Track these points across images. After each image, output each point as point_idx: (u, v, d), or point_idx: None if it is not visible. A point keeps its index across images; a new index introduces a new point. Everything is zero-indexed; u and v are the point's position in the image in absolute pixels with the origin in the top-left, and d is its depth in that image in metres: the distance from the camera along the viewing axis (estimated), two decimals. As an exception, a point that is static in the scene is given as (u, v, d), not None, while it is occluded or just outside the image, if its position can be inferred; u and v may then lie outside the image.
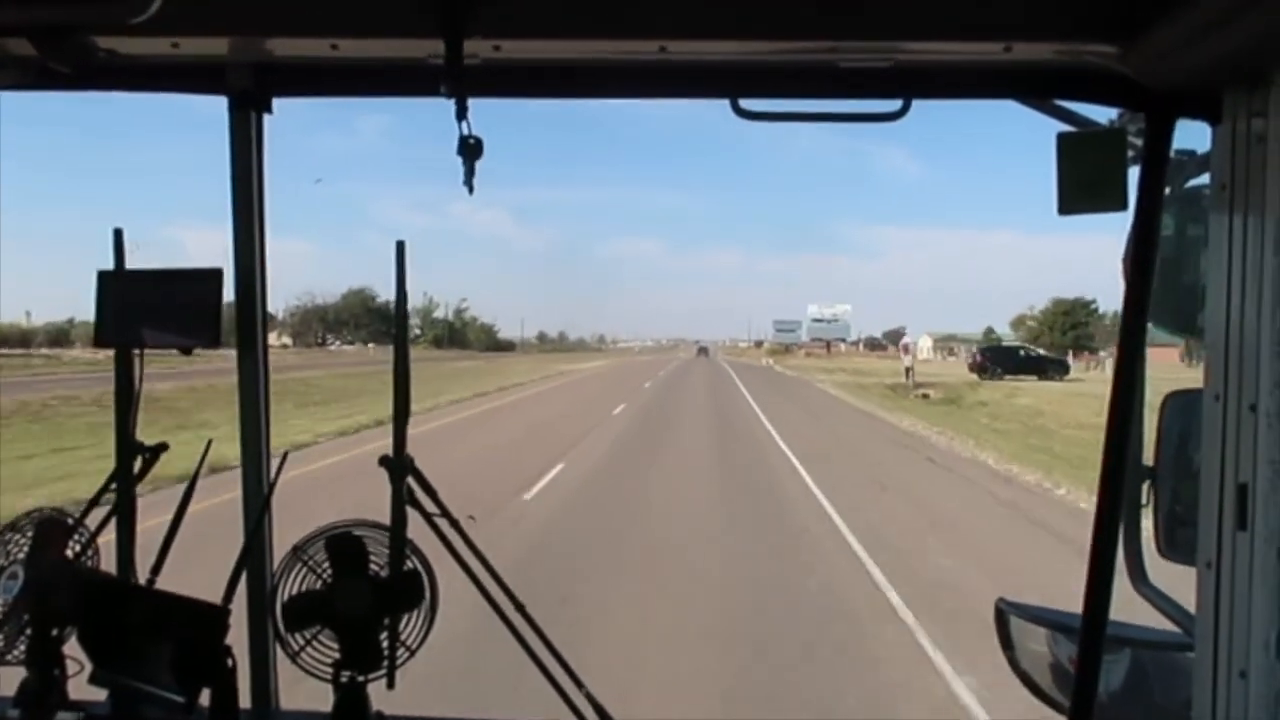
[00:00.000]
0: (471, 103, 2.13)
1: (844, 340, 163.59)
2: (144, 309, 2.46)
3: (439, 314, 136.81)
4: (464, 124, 2.02)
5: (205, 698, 2.24)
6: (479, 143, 2.03)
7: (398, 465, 2.36)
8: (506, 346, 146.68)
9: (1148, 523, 2.73)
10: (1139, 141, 2.25)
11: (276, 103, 2.44)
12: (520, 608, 2.50)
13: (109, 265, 2.50)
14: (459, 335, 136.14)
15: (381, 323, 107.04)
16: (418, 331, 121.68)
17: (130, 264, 2.51)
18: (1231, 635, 2.02)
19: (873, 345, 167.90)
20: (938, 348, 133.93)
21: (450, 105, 2.07)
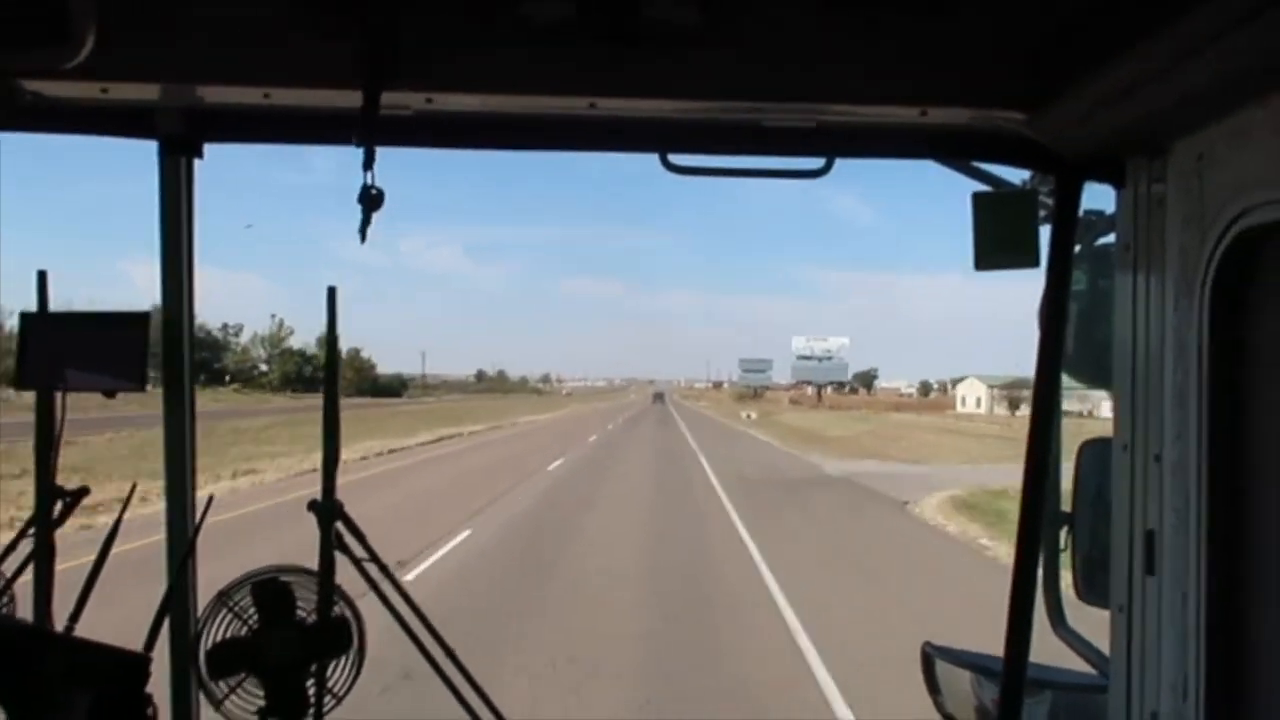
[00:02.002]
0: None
1: (839, 383, 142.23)
2: (68, 351, 2.42)
3: (292, 343, 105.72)
4: (369, 174, 2.02)
5: None
6: (380, 194, 2.03)
7: (326, 510, 2.35)
8: (390, 389, 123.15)
9: (1066, 568, 2.82)
10: (1050, 202, 2.35)
11: (218, 147, 2.44)
12: (451, 653, 2.49)
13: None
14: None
15: (205, 349, 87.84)
16: (263, 368, 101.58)
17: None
18: (1143, 677, 2.09)
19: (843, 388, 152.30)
20: (1000, 398, 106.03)
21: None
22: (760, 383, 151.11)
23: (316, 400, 2.42)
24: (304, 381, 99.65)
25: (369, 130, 1.97)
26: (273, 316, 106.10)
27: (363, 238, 2.01)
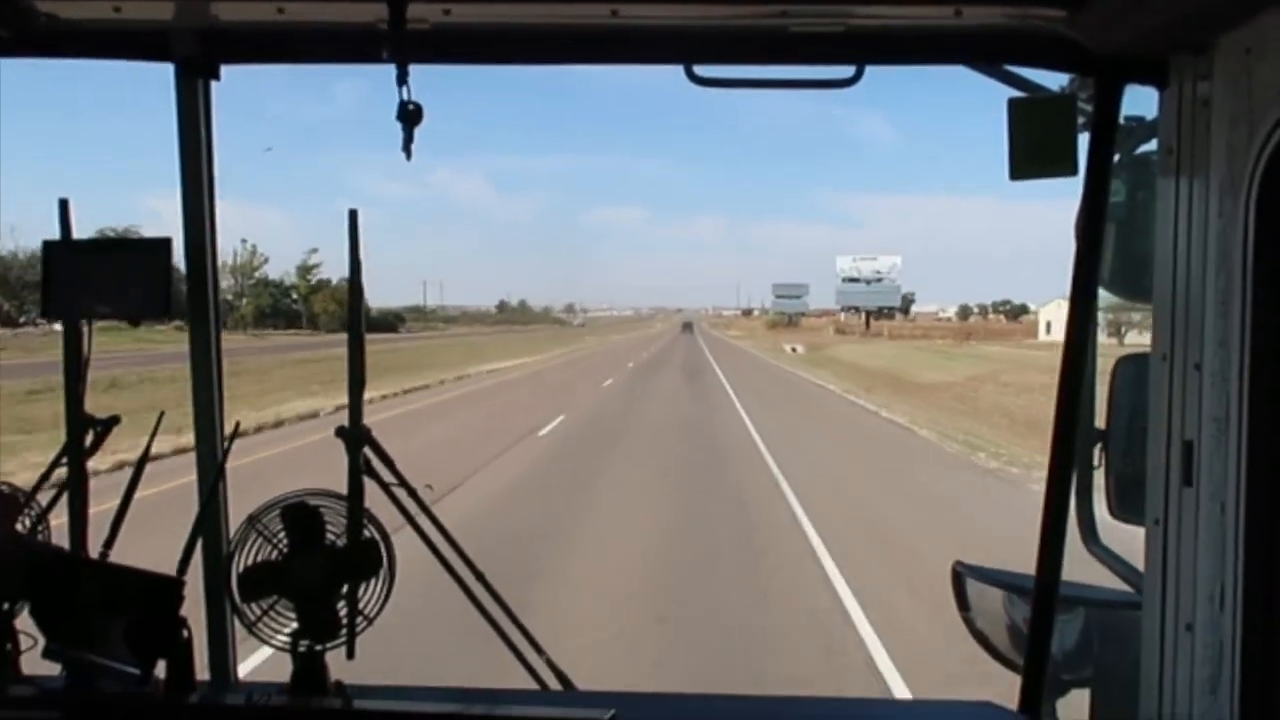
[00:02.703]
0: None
1: (892, 308, 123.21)
2: (91, 280, 2.42)
3: (267, 271, 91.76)
4: (404, 89, 1.99)
5: (162, 670, 2.23)
6: (419, 109, 2.00)
7: (354, 435, 2.36)
8: (384, 323, 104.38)
9: (1100, 485, 2.78)
10: (1090, 108, 2.27)
11: (235, 69, 2.40)
12: (480, 576, 2.50)
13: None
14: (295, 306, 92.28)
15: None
16: (230, 298, 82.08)
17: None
18: (1178, 589, 2.07)
19: (877, 315, 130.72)
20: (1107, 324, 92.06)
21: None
22: (795, 309, 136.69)
23: (281, 340, 2.39)
24: (281, 316, 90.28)
25: (399, 44, 1.92)
26: (243, 242, 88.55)
27: (408, 155, 1.98)
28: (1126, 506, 2.60)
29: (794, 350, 79.06)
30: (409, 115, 1.97)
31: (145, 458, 2.46)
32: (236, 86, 2.44)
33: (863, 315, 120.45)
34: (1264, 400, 1.85)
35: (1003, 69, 2.30)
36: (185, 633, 2.22)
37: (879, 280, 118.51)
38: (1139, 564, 2.27)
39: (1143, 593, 2.21)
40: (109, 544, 2.40)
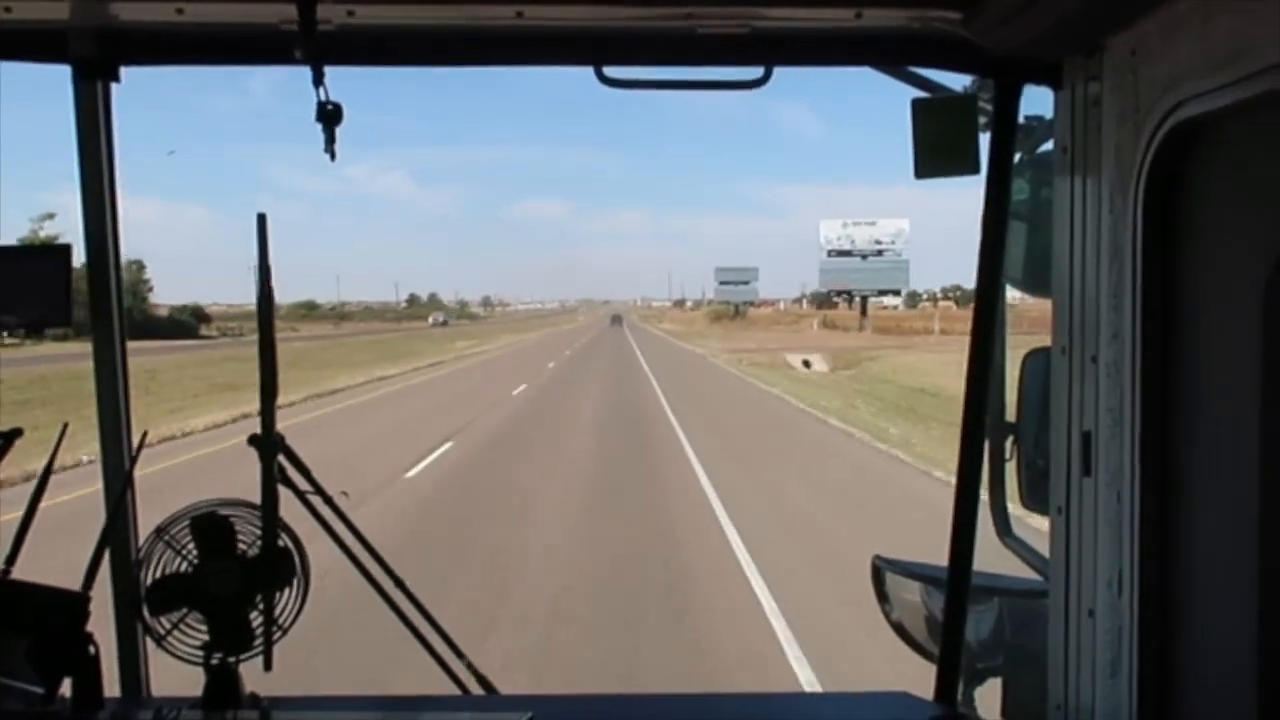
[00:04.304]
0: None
1: (896, 293, 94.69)
2: None
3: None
4: (321, 90, 1.96)
5: (69, 688, 2.17)
6: (338, 109, 1.98)
7: (267, 443, 2.32)
8: (175, 327, 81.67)
9: (1011, 477, 2.84)
10: (990, 108, 2.33)
11: (139, 70, 2.34)
12: (399, 582, 2.48)
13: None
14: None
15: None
16: None
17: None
18: (1080, 577, 2.13)
19: (819, 303, 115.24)
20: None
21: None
22: (743, 297, 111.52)
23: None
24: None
25: (311, 45, 1.89)
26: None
27: (332, 155, 1.96)
28: (1036, 497, 2.66)
29: (804, 364, 46.75)
30: (328, 115, 1.94)
31: (49, 470, 2.40)
32: (144, 83, 2.29)
33: (855, 301, 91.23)
34: (1155, 391, 1.91)
35: (905, 70, 2.35)
36: (92, 649, 2.17)
37: (879, 253, 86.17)
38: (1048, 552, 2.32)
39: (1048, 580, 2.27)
40: (10, 560, 2.33)
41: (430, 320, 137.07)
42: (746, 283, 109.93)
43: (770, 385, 35.57)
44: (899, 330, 75.17)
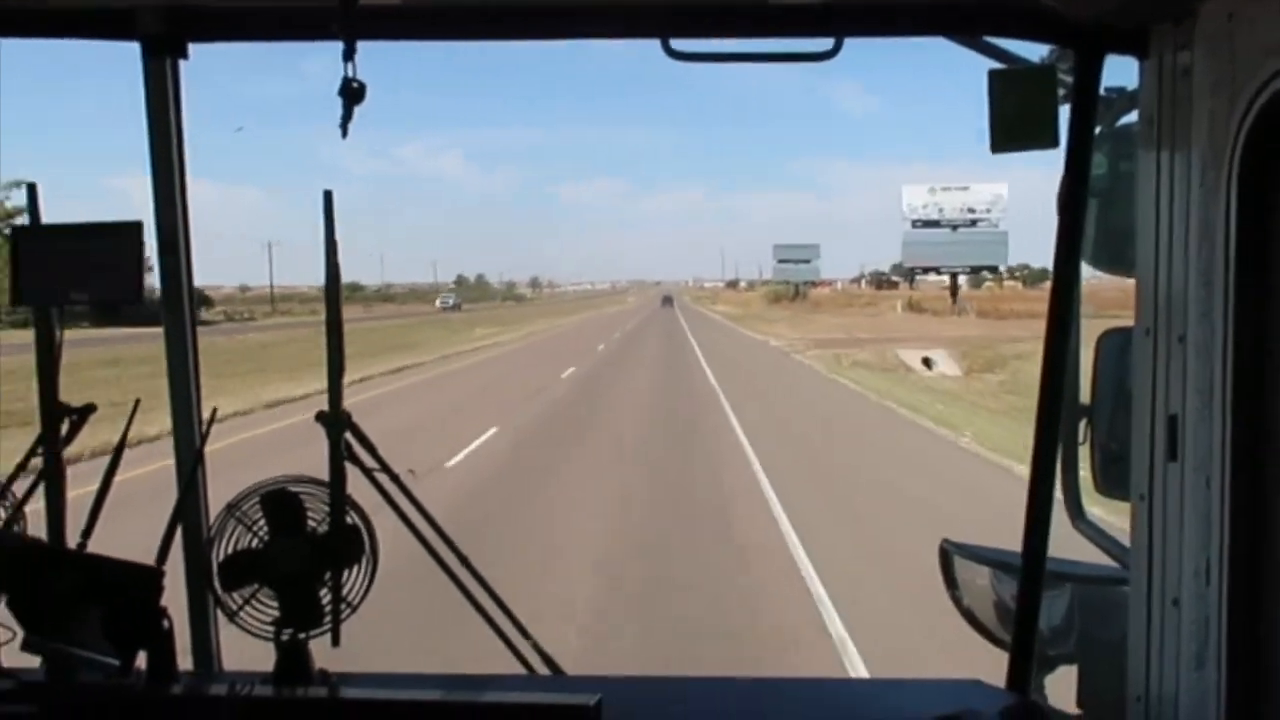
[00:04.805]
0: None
1: (994, 270, 77.49)
2: (62, 266, 2.38)
3: None
4: (349, 65, 1.95)
5: (143, 660, 2.21)
6: (363, 87, 1.95)
7: (334, 421, 2.33)
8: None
9: (1085, 461, 2.77)
10: (1070, 79, 2.25)
11: (205, 48, 2.35)
12: (465, 560, 2.48)
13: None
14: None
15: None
16: None
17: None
18: (1164, 565, 2.06)
19: (879, 283, 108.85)
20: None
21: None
22: (803, 277, 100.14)
23: None
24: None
25: (348, 20, 1.88)
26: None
27: (344, 133, 1.94)
28: (1112, 482, 2.59)
29: (926, 365, 35.48)
30: (351, 93, 1.93)
31: (122, 445, 2.43)
32: (205, 64, 2.30)
33: (912, 282, 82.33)
34: (1247, 373, 1.83)
35: (982, 40, 2.28)
36: (166, 623, 2.20)
37: (971, 224, 71.74)
38: (1125, 540, 2.26)
39: (1129, 568, 2.21)
40: (87, 533, 2.38)
41: (438, 303, 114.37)
42: (808, 261, 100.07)
43: (937, 422, 20.57)
44: (1005, 313, 57.83)
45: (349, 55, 1.90)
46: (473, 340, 53.36)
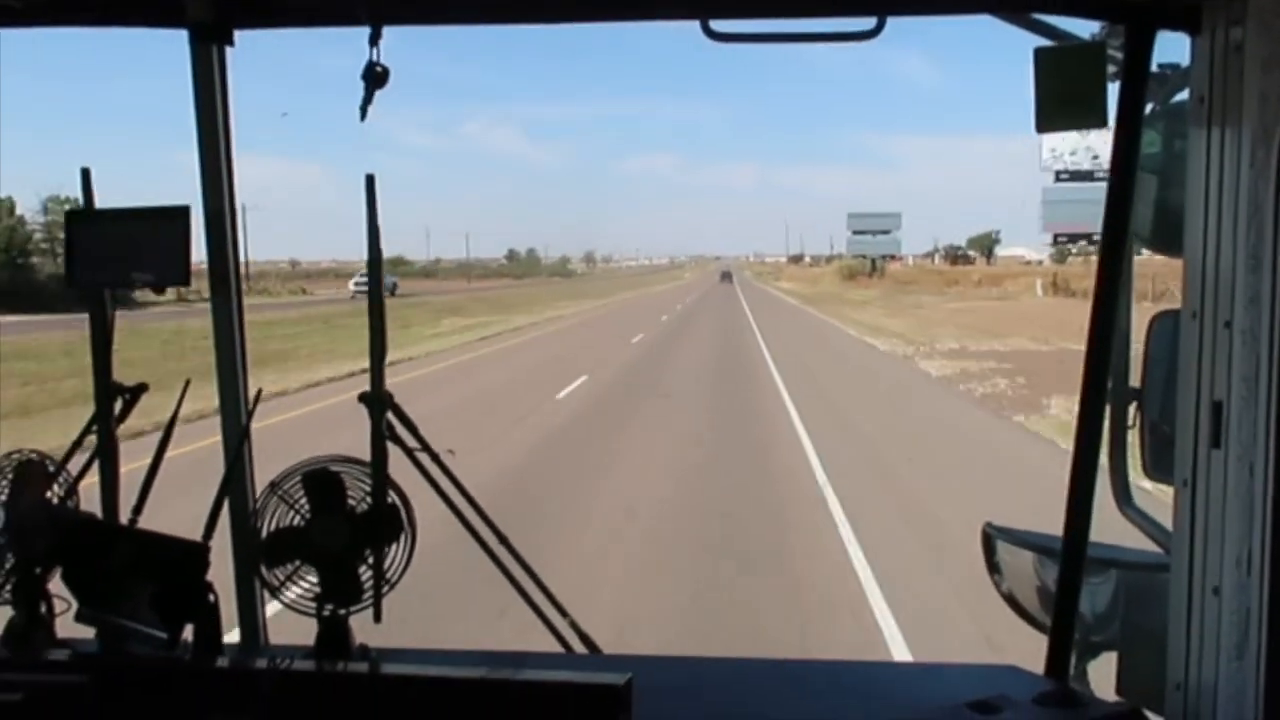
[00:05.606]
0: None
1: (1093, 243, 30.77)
2: (114, 249, 2.44)
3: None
4: (375, 50, 1.95)
5: (190, 633, 2.27)
6: (386, 72, 1.96)
7: (376, 401, 2.37)
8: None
9: (1134, 445, 2.72)
10: (1120, 56, 2.19)
11: (249, 33, 2.38)
12: (504, 539, 2.51)
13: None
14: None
15: None
16: None
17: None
18: (1206, 553, 2.02)
19: (954, 259, 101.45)
20: None
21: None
22: (883, 250, 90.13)
23: None
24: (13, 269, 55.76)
25: (375, 4, 1.89)
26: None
27: (363, 115, 1.96)
28: (1160, 467, 2.54)
29: None
30: (375, 77, 1.94)
31: (173, 424, 2.49)
32: (255, 45, 2.32)
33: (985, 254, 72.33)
34: None
35: (1029, 17, 2.23)
36: (211, 597, 2.25)
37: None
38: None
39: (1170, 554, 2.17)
40: (138, 510, 2.44)
41: (351, 285, 69.26)
42: (888, 232, 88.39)
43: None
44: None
45: (375, 39, 1.91)
46: (439, 334, 37.32)
